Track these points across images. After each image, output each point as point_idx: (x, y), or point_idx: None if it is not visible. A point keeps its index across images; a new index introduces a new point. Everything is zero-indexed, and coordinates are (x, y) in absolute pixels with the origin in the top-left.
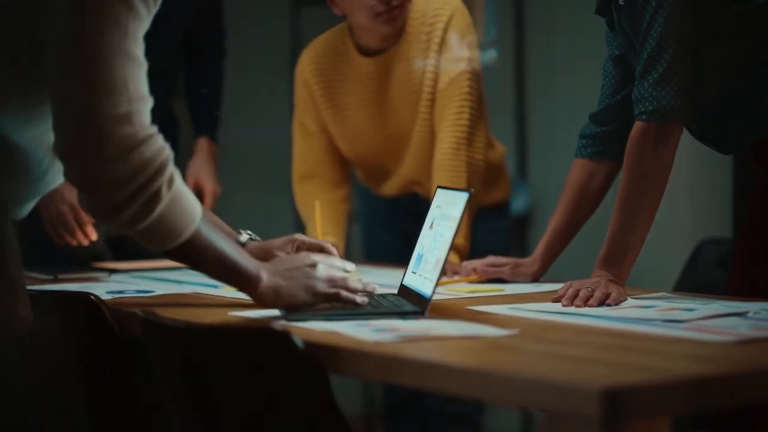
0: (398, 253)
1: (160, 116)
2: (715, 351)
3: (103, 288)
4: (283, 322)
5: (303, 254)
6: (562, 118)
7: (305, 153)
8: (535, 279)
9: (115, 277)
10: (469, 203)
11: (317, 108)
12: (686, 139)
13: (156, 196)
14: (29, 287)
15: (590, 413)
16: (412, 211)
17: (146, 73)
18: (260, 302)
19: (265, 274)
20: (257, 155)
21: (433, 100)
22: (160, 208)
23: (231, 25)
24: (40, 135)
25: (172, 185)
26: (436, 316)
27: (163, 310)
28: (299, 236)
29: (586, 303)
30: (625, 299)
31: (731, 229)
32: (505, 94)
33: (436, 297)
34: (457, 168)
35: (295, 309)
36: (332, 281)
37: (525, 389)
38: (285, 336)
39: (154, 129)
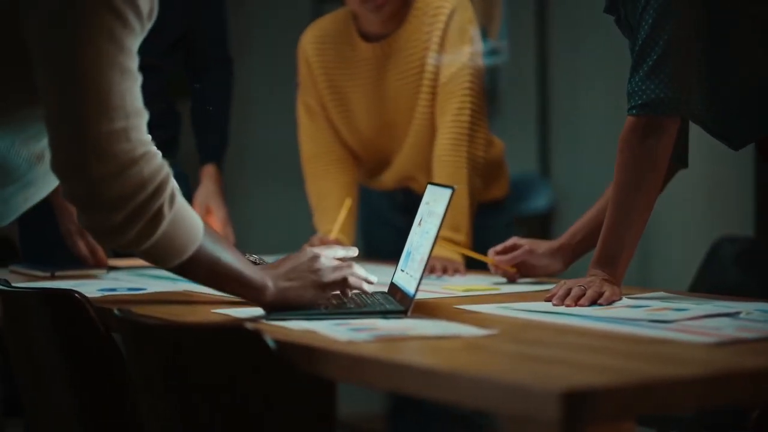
0: (395, 249)
1: (159, 112)
2: (691, 352)
3: (96, 285)
4: (264, 321)
5: (303, 251)
6: (586, 117)
7: (312, 133)
8: (563, 262)
9: (112, 274)
10: (471, 200)
11: (318, 88)
12: (703, 134)
13: (158, 215)
14: (24, 284)
15: (549, 416)
16: (407, 206)
17: (140, 86)
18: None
19: (271, 281)
20: (279, 153)
21: (433, 94)
22: (163, 226)
23: (251, 25)
24: (20, 143)
25: (173, 203)
26: (420, 316)
27: (147, 308)
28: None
29: (576, 302)
30: (620, 299)
31: (753, 226)
32: (528, 93)
33: (429, 296)
34: (457, 164)
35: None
36: (338, 268)
37: (487, 391)
38: (257, 335)
39: (152, 145)
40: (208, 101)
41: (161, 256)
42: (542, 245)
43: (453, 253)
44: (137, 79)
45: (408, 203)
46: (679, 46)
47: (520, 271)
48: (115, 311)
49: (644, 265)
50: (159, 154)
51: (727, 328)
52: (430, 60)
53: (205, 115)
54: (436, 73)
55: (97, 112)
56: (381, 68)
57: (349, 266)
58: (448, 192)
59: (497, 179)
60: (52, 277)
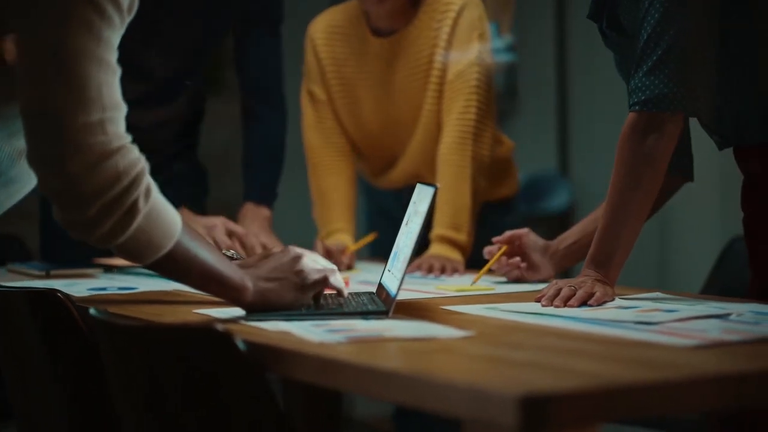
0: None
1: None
2: (668, 355)
3: (88, 284)
4: (242, 322)
5: (286, 251)
6: (604, 115)
7: (315, 123)
8: (551, 262)
9: (109, 273)
10: (473, 200)
11: (325, 78)
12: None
13: (133, 209)
14: (14, 283)
15: (507, 422)
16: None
17: (119, 80)
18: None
19: (251, 281)
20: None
21: (440, 92)
22: (138, 221)
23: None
24: (3, 139)
25: (149, 197)
26: (402, 317)
27: (129, 307)
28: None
29: (566, 303)
30: (612, 299)
31: None
32: (547, 91)
33: (420, 296)
34: (460, 163)
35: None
36: (321, 270)
37: (447, 395)
38: (227, 337)
39: (128, 138)
40: (251, 140)
41: (137, 252)
42: (535, 237)
43: (453, 252)
44: (116, 72)
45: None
46: (684, 45)
47: (515, 254)
48: (91, 311)
49: (662, 267)
50: (135, 148)
51: (713, 330)
52: (438, 57)
53: (249, 152)
54: (444, 70)
55: (73, 103)
56: (390, 64)
57: (332, 270)
58: (431, 190)
59: (506, 178)
60: (47, 276)
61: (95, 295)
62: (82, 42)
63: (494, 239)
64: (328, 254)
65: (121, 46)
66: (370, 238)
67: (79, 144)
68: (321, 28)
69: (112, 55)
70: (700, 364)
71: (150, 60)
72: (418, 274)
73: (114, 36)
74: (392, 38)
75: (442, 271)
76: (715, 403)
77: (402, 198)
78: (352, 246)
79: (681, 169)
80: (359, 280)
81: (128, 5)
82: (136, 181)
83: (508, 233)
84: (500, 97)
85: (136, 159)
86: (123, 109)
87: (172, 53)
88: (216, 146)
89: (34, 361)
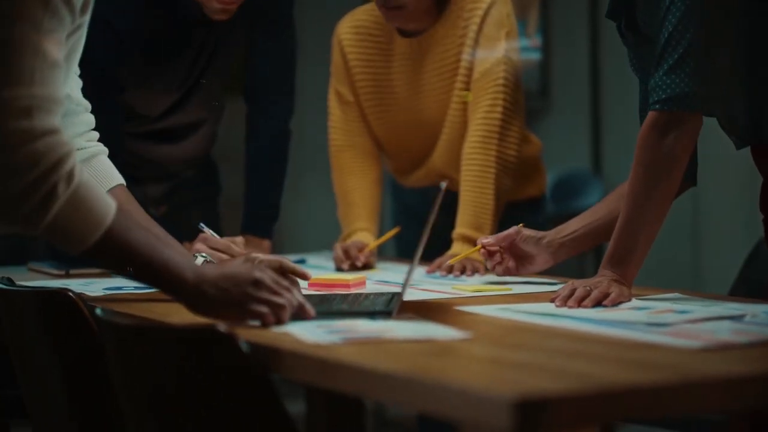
0: (429, 247)
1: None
2: (671, 357)
3: (104, 284)
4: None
5: (249, 266)
6: (638, 114)
7: (342, 123)
8: (549, 254)
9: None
10: (497, 200)
11: (352, 79)
12: None
13: (52, 194)
14: (32, 282)
15: (501, 424)
16: (441, 203)
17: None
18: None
19: (193, 276)
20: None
21: (467, 90)
22: (58, 205)
23: (303, 15)
24: None
25: (71, 182)
26: (407, 317)
27: (139, 306)
28: (256, 256)
29: (579, 303)
30: (628, 300)
31: None
32: (579, 89)
33: (436, 296)
34: (484, 162)
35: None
36: (282, 292)
37: (442, 397)
38: (230, 338)
39: (58, 134)
40: (251, 173)
41: (62, 240)
42: (529, 231)
43: (473, 253)
44: (55, 66)
45: (442, 201)
46: (705, 45)
47: (510, 256)
48: (97, 310)
49: (695, 269)
50: (63, 141)
51: (722, 332)
52: (465, 55)
53: (252, 184)
54: (470, 69)
55: (2, 86)
56: (417, 63)
57: (289, 302)
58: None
59: (533, 178)
60: (67, 275)
61: (109, 294)
62: (19, 29)
63: (483, 242)
64: (346, 253)
65: (154, 58)
66: (392, 233)
67: (3, 126)
68: (348, 29)
69: (56, 48)
70: (703, 365)
71: (181, 69)
72: (438, 273)
73: (60, 30)
74: (419, 38)
75: (462, 271)
76: (717, 405)
77: (428, 197)
78: (372, 244)
79: (686, 172)
80: (378, 279)
81: (81, 5)
82: (57, 165)
83: (500, 235)
84: (533, 95)
85: (59, 143)
86: (58, 103)
87: (201, 60)
88: (231, 145)
89: (45, 361)
